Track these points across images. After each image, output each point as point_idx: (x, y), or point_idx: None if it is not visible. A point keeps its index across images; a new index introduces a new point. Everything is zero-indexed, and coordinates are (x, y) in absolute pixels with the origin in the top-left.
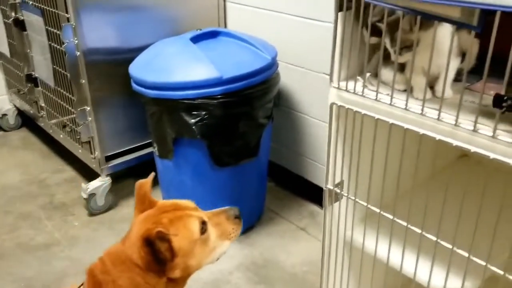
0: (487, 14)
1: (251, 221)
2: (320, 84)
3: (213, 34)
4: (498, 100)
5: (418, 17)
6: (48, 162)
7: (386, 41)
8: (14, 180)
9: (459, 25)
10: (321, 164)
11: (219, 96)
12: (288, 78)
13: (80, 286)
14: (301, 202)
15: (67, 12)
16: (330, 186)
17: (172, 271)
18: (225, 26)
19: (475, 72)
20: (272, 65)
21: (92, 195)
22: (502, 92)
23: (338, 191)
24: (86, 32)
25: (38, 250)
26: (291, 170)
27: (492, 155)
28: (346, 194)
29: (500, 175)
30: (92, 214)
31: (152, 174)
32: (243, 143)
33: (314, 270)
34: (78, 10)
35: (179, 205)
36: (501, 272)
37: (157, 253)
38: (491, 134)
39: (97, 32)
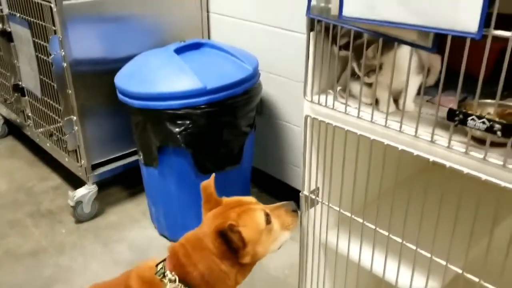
0: (441, 36)
1: None
2: (299, 93)
3: (196, 46)
4: (451, 114)
5: (380, 45)
6: (35, 170)
7: (354, 65)
8: (1, 188)
9: (416, 46)
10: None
11: (203, 106)
12: (270, 87)
13: (162, 261)
14: None
15: (54, 25)
16: (306, 192)
17: (243, 257)
18: (209, 37)
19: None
20: (254, 76)
21: (78, 202)
22: (455, 107)
23: (314, 197)
24: (73, 44)
25: (26, 257)
26: (274, 176)
27: (448, 164)
28: (321, 200)
29: (458, 182)
30: (79, 221)
31: (213, 175)
32: (226, 151)
33: (295, 273)
34: (65, 22)
35: (243, 201)
36: (460, 271)
37: (230, 243)
38: (446, 144)
39: (83, 44)
